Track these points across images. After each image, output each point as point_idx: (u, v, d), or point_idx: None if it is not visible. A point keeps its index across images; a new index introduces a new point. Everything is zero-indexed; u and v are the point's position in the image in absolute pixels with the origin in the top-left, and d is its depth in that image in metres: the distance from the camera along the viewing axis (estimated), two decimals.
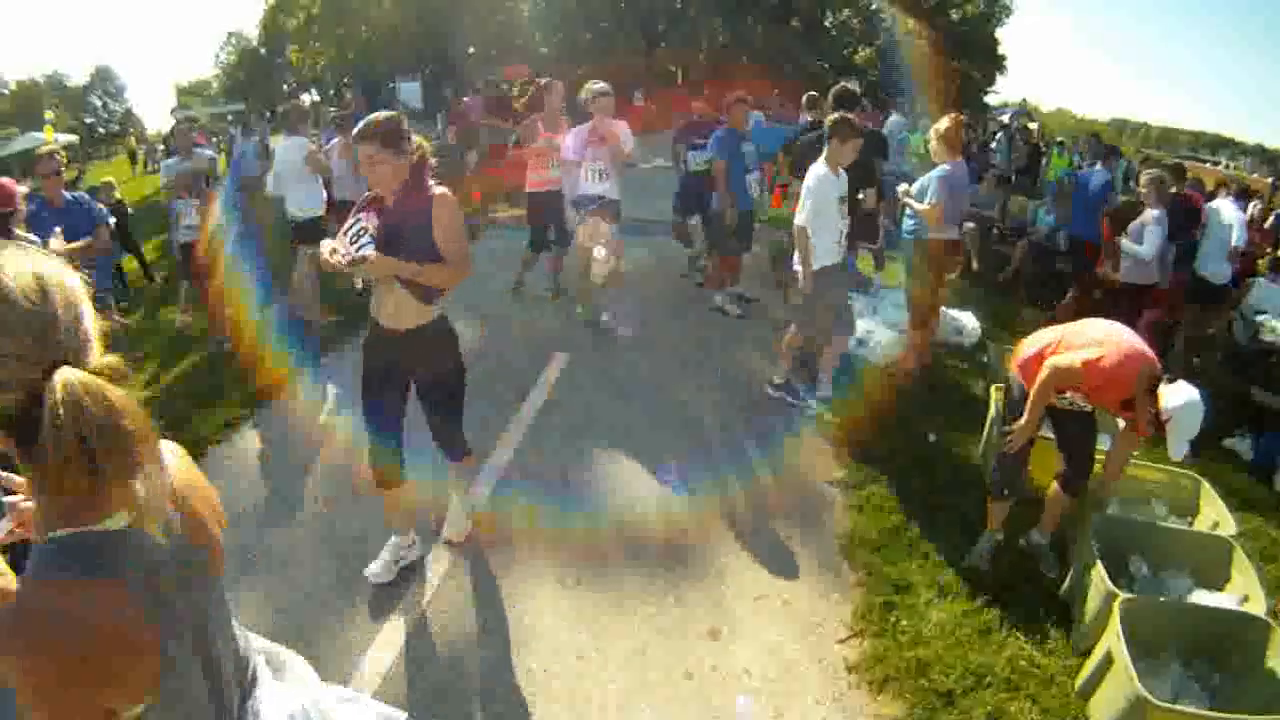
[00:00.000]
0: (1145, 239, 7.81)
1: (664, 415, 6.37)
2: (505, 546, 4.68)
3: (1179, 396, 3.86)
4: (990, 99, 45.05)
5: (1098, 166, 9.97)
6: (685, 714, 3.59)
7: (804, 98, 9.88)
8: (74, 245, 5.36)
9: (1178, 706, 3.33)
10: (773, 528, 4.96)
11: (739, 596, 4.33)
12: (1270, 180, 26.39)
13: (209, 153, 7.36)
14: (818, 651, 3.96)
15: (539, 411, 6.35)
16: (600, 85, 7.29)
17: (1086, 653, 3.87)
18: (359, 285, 7.91)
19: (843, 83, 7.05)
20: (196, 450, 5.79)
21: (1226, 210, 8.48)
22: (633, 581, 4.40)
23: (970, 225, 10.69)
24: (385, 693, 3.63)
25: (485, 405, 6.36)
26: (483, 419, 6.11)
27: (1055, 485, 4.52)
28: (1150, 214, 7.82)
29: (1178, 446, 3.96)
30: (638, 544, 4.74)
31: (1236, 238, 8.26)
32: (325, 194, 8.35)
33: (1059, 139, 20.38)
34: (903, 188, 7.03)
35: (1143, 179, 8.50)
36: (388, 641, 3.94)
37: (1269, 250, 11.05)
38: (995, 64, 45.88)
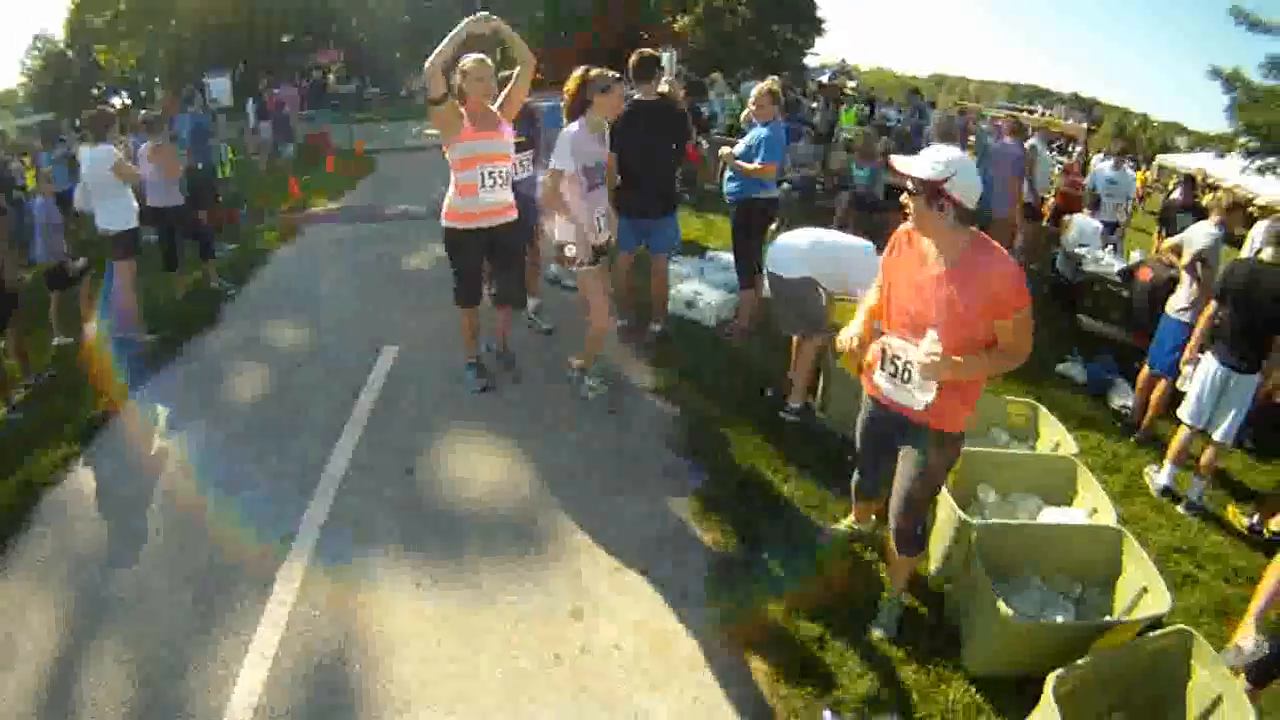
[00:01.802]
0: None
1: (497, 398, 6.28)
2: (356, 554, 4.54)
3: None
4: (810, 60, 46.02)
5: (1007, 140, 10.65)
6: (564, 697, 3.57)
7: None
8: None
9: (1043, 620, 3.48)
10: (621, 499, 4.96)
11: (597, 573, 4.32)
12: (1084, 126, 28.00)
13: None
14: (684, 618, 4.00)
15: (373, 409, 6.16)
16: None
17: (949, 582, 4.03)
18: None
19: (641, 50, 6.91)
20: (30, 495, 5.38)
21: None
22: (490, 573, 4.34)
23: (785, 184, 10.99)
24: None
25: (318, 409, 6.18)
26: (317, 424, 5.96)
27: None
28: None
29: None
30: (490, 535, 4.67)
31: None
32: (136, 204, 7.86)
33: (845, 92, 21.47)
34: (724, 150, 7.09)
35: (934, 118, 9.01)
36: (253, 670, 3.77)
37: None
38: (813, 27, 46.78)
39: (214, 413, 6.29)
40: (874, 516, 4.48)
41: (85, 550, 4.83)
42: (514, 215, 5.84)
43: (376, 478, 5.28)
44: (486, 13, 5.30)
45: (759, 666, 3.71)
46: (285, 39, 39.96)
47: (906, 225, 3.45)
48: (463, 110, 5.51)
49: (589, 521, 4.75)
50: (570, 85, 5.66)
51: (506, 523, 4.76)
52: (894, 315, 3.54)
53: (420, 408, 6.18)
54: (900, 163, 3.29)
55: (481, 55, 5.55)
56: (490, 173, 5.58)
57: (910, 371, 3.42)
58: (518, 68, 5.69)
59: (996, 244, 3.25)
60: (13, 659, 4.00)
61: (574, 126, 5.59)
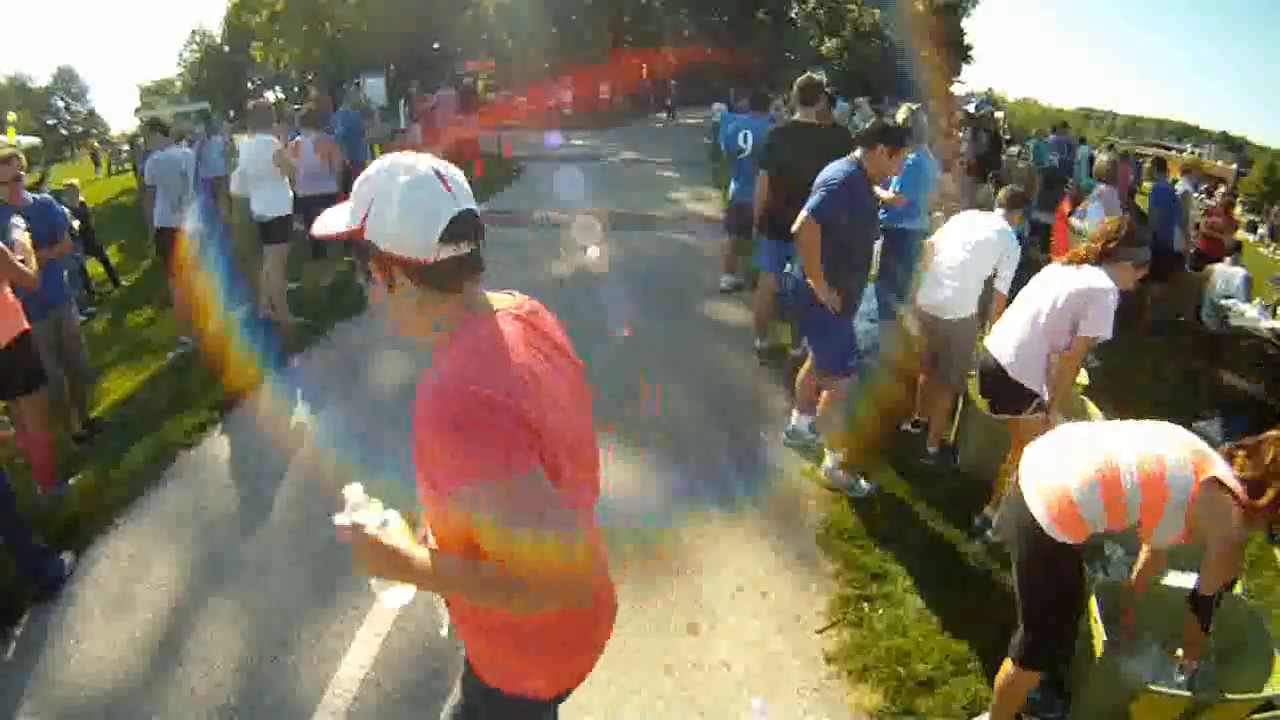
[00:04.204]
0: (1087, 214, 8.12)
1: (636, 408, 6.36)
2: None
3: None
4: (956, 89, 45.32)
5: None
6: (669, 710, 3.58)
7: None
8: (44, 249, 5.30)
9: (1157, 688, 3.36)
10: (750, 521, 4.95)
11: (718, 591, 4.32)
12: (1234, 167, 26.86)
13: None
14: (798, 643, 3.97)
15: None
16: None
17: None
18: None
19: (809, 74, 6.96)
20: (166, 455, 5.74)
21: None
22: (611, 578, 4.36)
23: (938, 214, 10.80)
24: (365, 696, 3.62)
25: None
26: None
27: None
28: (1094, 191, 8.23)
29: None
30: (614, 540, 4.67)
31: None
32: (291, 193, 8.25)
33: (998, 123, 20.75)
34: None
35: (1099, 160, 8.79)
36: (364, 646, 3.91)
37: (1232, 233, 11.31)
38: (961, 54, 46.12)
39: (351, 399, 6.55)
40: None
41: (213, 513, 5.11)
42: None
43: None
44: None
45: (864, 700, 3.66)
46: (435, 46, 41.15)
47: None
48: None
49: (714, 539, 4.77)
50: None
51: (634, 532, 4.76)
52: None
53: None
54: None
55: None
56: None
57: None
58: None
59: (481, 341, 1.73)
60: (131, 607, 4.25)
61: (1107, 281, 4.03)
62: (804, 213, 4.73)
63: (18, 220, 5.06)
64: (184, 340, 7.84)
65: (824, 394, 5.32)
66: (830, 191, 4.71)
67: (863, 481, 5.22)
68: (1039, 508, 2.98)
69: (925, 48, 39.57)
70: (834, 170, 4.81)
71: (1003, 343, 4.40)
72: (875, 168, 4.79)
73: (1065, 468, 3.00)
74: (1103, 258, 4.09)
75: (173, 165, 7.65)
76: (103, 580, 4.48)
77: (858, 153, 4.80)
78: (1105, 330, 4.05)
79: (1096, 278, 4.05)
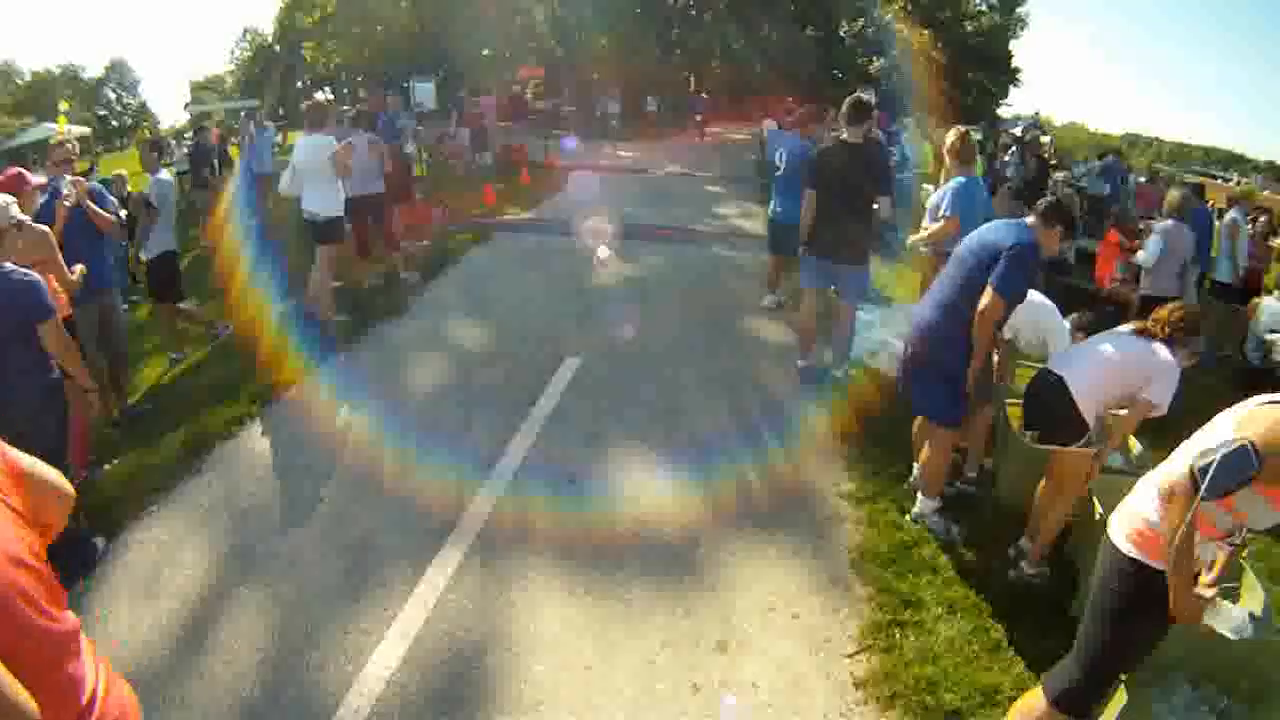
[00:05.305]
0: (1148, 247, 7.99)
1: (675, 423, 6.33)
2: (513, 553, 4.64)
3: None
4: (1003, 112, 44.90)
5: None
6: None
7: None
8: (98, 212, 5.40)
9: None
10: (784, 541, 4.89)
11: (748, 609, 4.27)
12: None
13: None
14: (826, 666, 3.91)
15: (548, 417, 6.29)
16: None
17: None
18: None
19: (857, 93, 6.91)
20: (203, 444, 5.79)
21: None
22: (642, 592, 4.36)
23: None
24: (389, 697, 3.61)
25: (494, 410, 6.36)
26: (491, 424, 6.12)
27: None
28: (1158, 225, 8.07)
29: None
30: (647, 554, 4.69)
31: None
32: (344, 194, 8.27)
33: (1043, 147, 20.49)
34: (917, 239, 7.02)
35: (1170, 195, 8.61)
36: (393, 646, 3.90)
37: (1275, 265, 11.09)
38: (1009, 77, 45.78)
39: (390, 399, 6.57)
40: None
41: (247, 504, 5.14)
42: None
43: (543, 483, 5.39)
44: None
45: None
46: (485, 52, 41.28)
47: None
48: None
49: (747, 558, 4.72)
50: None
51: (666, 546, 4.78)
52: None
53: (596, 421, 6.29)
54: None
55: None
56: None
57: None
58: None
59: None
60: (159, 594, 4.28)
61: (1171, 358, 4.22)
62: (992, 293, 4.36)
63: (64, 189, 5.14)
64: (215, 327, 7.93)
65: (928, 446, 5.07)
66: (1021, 270, 4.38)
67: (954, 527, 5.06)
68: (1122, 540, 2.99)
69: (972, 69, 39.30)
70: (1014, 242, 4.41)
71: (1073, 369, 4.38)
72: (1045, 244, 4.54)
73: (1141, 498, 3.03)
74: (1167, 340, 4.25)
75: (170, 189, 7.62)
76: (133, 565, 4.52)
77: (1031, 220, 4.56)
78: (1163, 404, 4.19)
79: (1163, 354, 4.20)
